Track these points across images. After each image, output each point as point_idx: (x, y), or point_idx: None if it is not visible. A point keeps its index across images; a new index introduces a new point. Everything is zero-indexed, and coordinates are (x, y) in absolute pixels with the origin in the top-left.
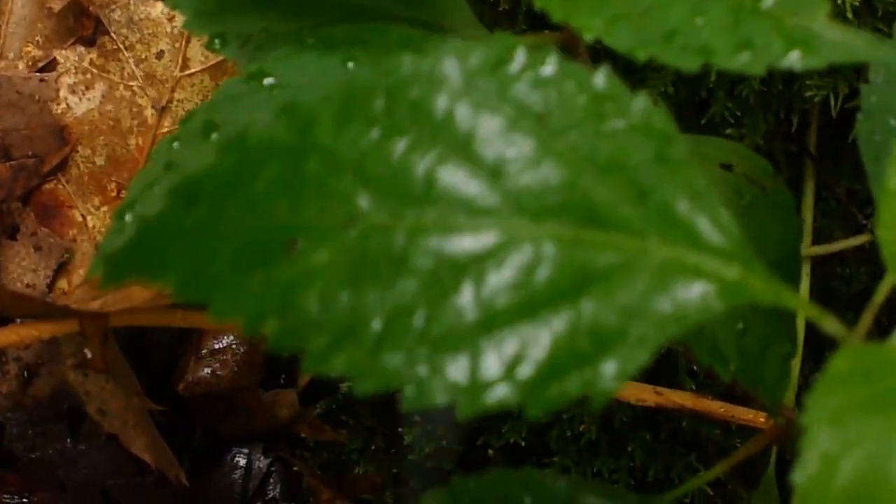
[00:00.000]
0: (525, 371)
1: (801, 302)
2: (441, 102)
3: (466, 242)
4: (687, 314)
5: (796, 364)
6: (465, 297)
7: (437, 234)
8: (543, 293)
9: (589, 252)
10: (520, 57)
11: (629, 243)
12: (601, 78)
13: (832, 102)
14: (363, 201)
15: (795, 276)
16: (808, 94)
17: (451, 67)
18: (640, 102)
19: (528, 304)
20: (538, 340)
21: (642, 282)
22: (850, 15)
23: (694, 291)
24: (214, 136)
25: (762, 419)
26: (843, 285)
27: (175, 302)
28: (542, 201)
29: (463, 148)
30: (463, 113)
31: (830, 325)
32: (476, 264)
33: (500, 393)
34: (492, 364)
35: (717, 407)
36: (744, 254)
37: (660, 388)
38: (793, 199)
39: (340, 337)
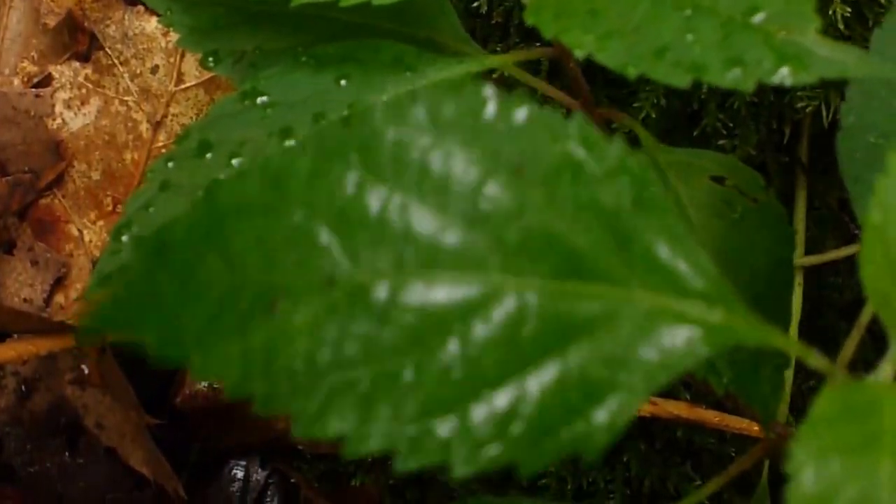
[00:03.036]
0: (517, 429)
1: (787, 340)
2: (415, 154)
3: (449, 297)
4: (674, 361)
5: (789, 375)
6: (451, 354)
7: (418, 290)
8: (530, 346)
9: (573, 303)
10: (491, 106)
11: (613, 292)
12: (575, 125)
13: (823, 113)
14: (341, 259)
15: (787, 287)
16: (800, 105)
17: (423, 118)
18: (616, 148)
19: (515, 359)
20: (527, 395)
21: (628, 330)
22: (841, 26)
23: (679, 337)
24: (209, 155)
25: (756, 428)
26: (835, 294)
27: (157, 362)
28: (523, 251)
29: (440, 200)
30: (438, 164)
31: (815, 361)
32: (460, 320)
33: (493, 452)
34: (482, 422)
35: (712, 416)
36: (726, 296)
37: (655, 398)
38: (784, 210)
39: (328, 401)
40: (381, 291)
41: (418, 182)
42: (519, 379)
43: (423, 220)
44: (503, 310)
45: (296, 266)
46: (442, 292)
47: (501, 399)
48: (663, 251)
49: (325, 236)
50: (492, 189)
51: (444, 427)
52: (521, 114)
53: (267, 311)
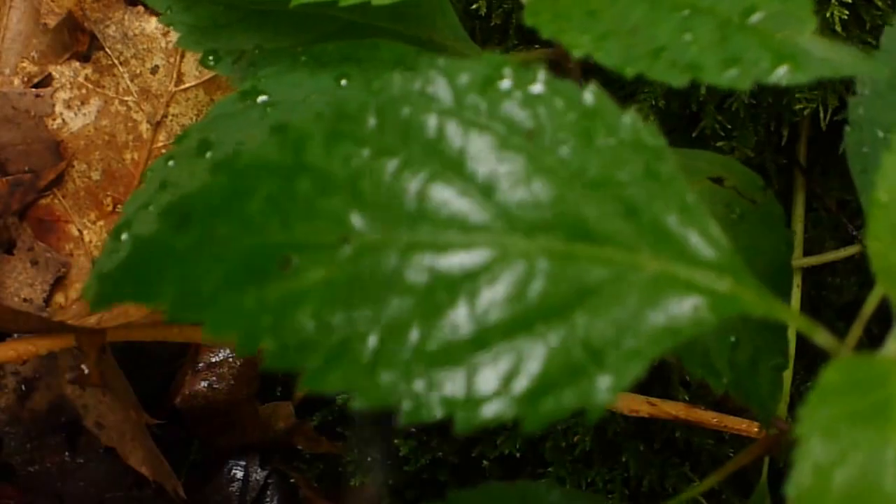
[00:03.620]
0: (520, 385)
1: (791, 314)
2: (432, 121)
3: (460, 259)
4: (679, 327)
5: (788, 376)
6: (460, 313)
7: (430, 251)
8: (537, 308)
9: (581, 267)
10: (508, 75)
11: (621, 257)
12: (590, 95)
13: (821, 115)
14: (356, 220)
15: (786, 288)
16: (798, 106)
17: (440, 86)
18: (629, 118)
19: (523, 319)
20: (533, 355)
21: (635, 295)
22: (838, 28)
23: (686, 305)
24: (209, 154)
25: (755, 429)
26: (834, 295)
27: (172, 321)
28: (533, 217)
29: (454, 166)
30: (453, 131)
31: (821, 337)
32: (470, 280)
33: (497, 407)
34: (488, 379)
35: (710, 417)
36: (734, 267)
37: (653, 399)
38: (783, 211)
39: (336, 355)
40: (392, 252)
41: (433, 148)
42: (525, 339)
43: (437, 186)
44: (512, 272)
45: (310, 227)
46: (453, 255)
47: (507, 357)
48: (673, 221)
49: (339, 199)
50: (505, 156)
51: (450, 383)
52: (537, 83)
53: (281, 269)
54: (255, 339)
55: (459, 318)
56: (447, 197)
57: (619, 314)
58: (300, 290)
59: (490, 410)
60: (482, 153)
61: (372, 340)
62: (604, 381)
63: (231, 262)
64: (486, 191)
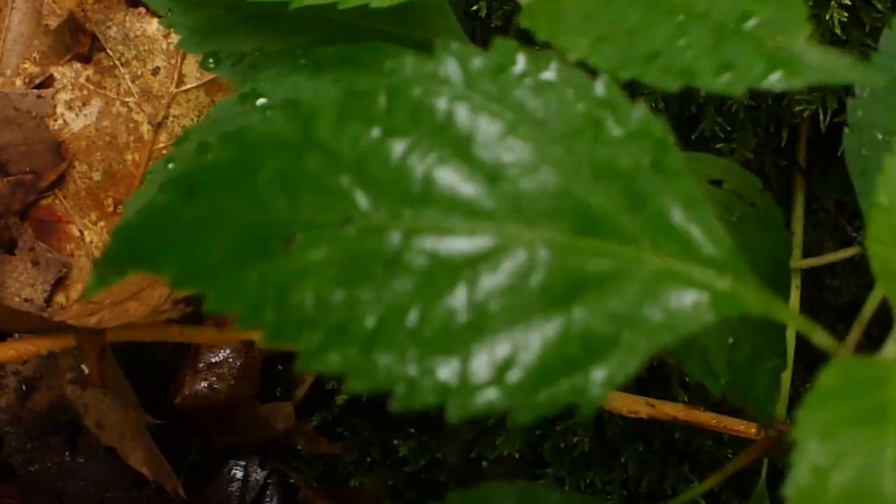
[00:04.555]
0: (515, 375)
1: (791, 314)
2: (442, 104)
3: (462, 244)
4: (678, 323)
5: (787, 377)
6: (459, 299)
7: (433, 235)
8: (536, 298)
9: (583, 258)
10: (521, 62)
11: (623, 251)
12: (601, 86)
13: (821, 117)
14: (361, 200)
15: (784, 289)
16: (798, 108)
17: (452, 69)
18: (639, 111)
19: (521, 309)
20: (529, 345)
21: (635, 289)
22: (837, 30)
23: (686, 301)
24: (209, 157)
25: (754, 430)
26: (833, 296)
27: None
28: (538, 206)
29: (462, 150)
30: (463, 115)
31: (820, 337)
32: (470, 267)
33: (490, 396)
34: (482, 367)
35: (710, 418)
36: (736, 265)
37: (652, 400)
38: (782, 214)
39: (334, 334)
40: (395, 234)
41: (442, 132)
42: (522, 328)
43: (443, 170)
44: (513, 261)
45: (317, 206)
46: (456, 240)
47: (503, 346)
48: (677, 215)
49: (346, 178)
50: (513, 143)
51: (444, 369)
52: (549, 71)
53: (285, 245)
54: (256, 314)
55: (458, 303)
56: (453, 181)
57: (618, 308)
58: (303, 268)
59: (483, 399)
60: (490, 139)
61: (370, 321)
62: (599, 375)
63: (236, 236)
64: (492, 177)
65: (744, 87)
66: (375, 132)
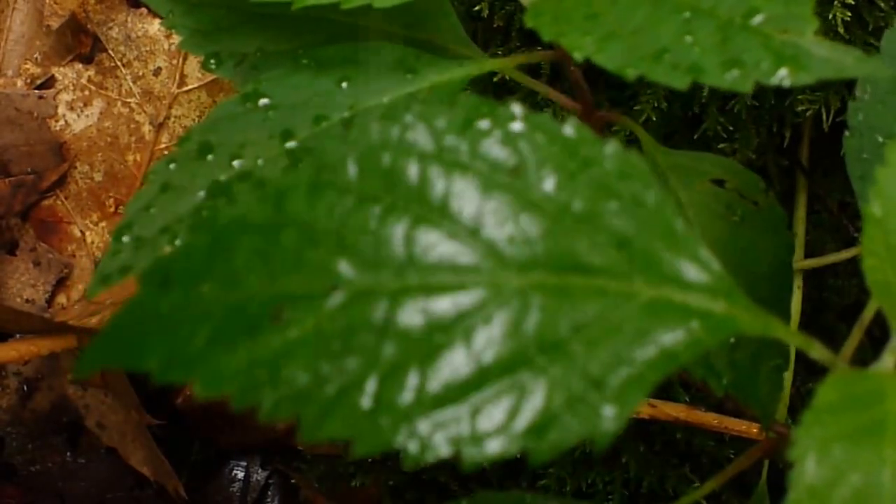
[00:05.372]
0: (524, 420)
1: (787, 332)
2: (413, 166)
3: (452, 300)
4: (678, 351)
5: (788, 377)
6: (458, 354)
7: (421, 294)
8: (535, 342)
9: (575, 299)
10: (487, 114)
11: (614, 286)
12: (570, 128)
13: (824, 116)
14: (344, 268)
15: (787, 290)
16: (800, 108)
17: (419, 131)
18: (612, 148)
19: (521, 355)
20: (535, 389)
21: (631, 323)
22: (841, 30)
23: (682, 329)
24: (210, 157)
25: (755, 430)
26: (835, 297)
27: (161, 383)
28: (523, 253)
29: (439, 208)
30: (436, 174)
31: (817, 352)
32: (465, 320)
33: (503, 443)
34: (491, 416)
35: (711, 418)
36: (728, 289)
37: (654, 401)
38: (784, 213)
39: (332, 404)
40: (383, 298)
41: (417, 193)
42: (525, 374)
43: (424, 230)
44: (507, 309)
45: (298, 278)
46: (445, 296)
47: (508, 393)
48: (663, 249)
49: (325, 250)
50: (489, 194)
51: (453, 422)
52: (516, 121)
53: (271, 321)
54: (250, 395)
55: (458, 358)
56: (434, 239)
57: (617, 343)
58: (292, 342)
59: (495, 446)
60: (466, 193)
61: (370, 387)
62: (609, 411)
63: (218, 320)
64: (473, 230)
65: (752, 83)
66: (349, 201)
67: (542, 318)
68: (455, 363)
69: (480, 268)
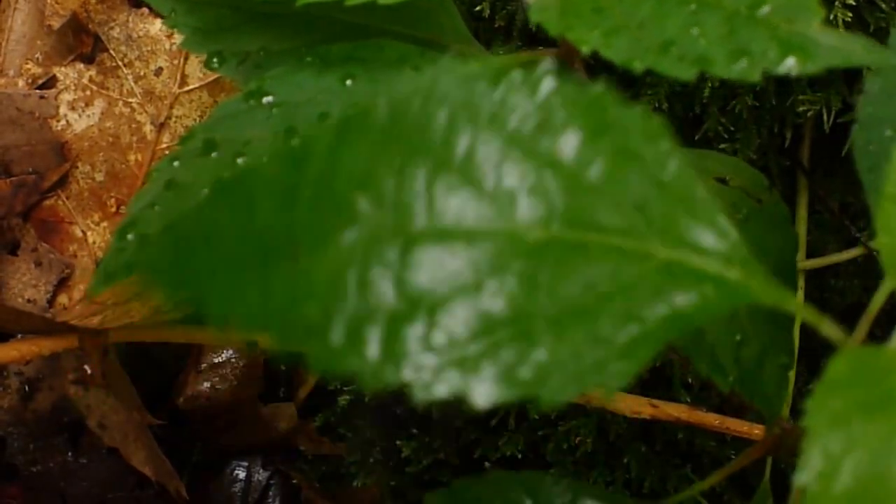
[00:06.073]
0: (529, 368)
1: (799, 304)
2: (441, 115)
3: (467, 249)
4: (689, 315)
5: (790, 377)
6: (469, 302)
7: (437, 241)
8: (546, 296)
9: (591, 255)
10: (517, 73)
11: (631, 246)
12: (598, 90)
13: (825, 117)
14: (363, 206)
15: (791, 287)
16: (801, 108)
17: (450, 84)
18: (638, 114)
19: (532, 308)
20: (541, 340)
21: (645, 283)
22: (841, 30)
23: (696, 292)
24: (214, 154)
25: (757, 431)
26: (836, 297)
27: (173, 315)
28: (541, 208)
29: (463, 159)
30: (463, 124)
31: (828, 329)
32: (478, 270)
33: (506, 388)
34: (497, 360)
35: (712, 419)
36: (743, 257)
37: (655, 401)
38: (789, 212)
39: (341, 341)
40: (399, 241)
41: (442, 143)
42: (533, 325)
43: (444, 178)
44: (520, 263)
45: (318, 211)
46: (459, 245)
47: (515, 346)
48: (682, 215)
49: (347, 186)
50: (512, 153)
51: (458, 363)
52: (545, 81)
53: (287, 254)
54: (261, 321)
55: (468, 306)
56: (455, 188)
57: (630, 301)
58: (304, 275)
59: (499, 390)
60: (491, 145)
61: (379, 328)
62: (616, 366)
63: (234, 247)
64: (494, 182)
65: (759, 73)
66: (376, 143)
67: (556, 272)
68: (465, 311)
69: (497, 219)
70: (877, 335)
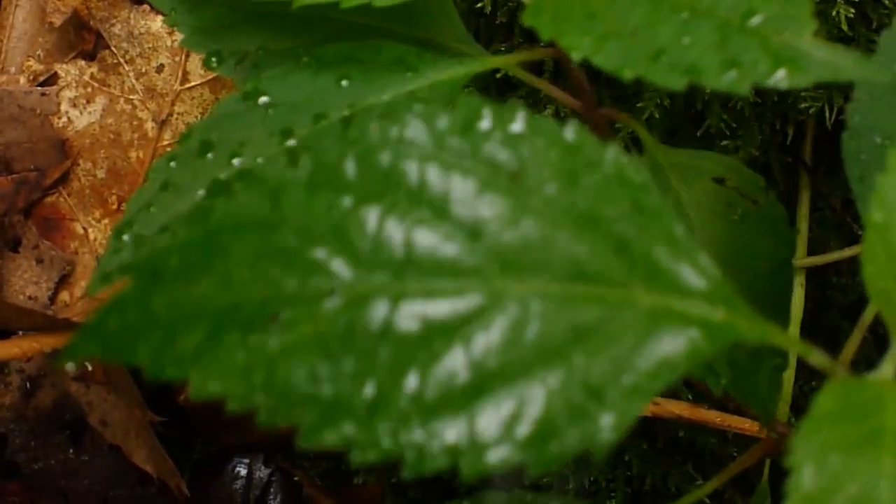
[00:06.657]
0: (523, 430)
1: (787, 338)
2: (413, 167)
3: (452, 305)
4: (677, 360)
5: (790, 375)
6: (457, 360)
7: (421, 298)
8: (534, 350)
9: (575, 306)
10: (487, 115)
11: (614, 294)
12: (571, 132)
13: (827, 114)
14: (342, 270)
15: (786, 288)
16: (803, 105)
17: (419, 131)
18: (612, 153)
19: (520, 363)
20: (533, 398)
21: (631, 332)
22: (844, 27)
23: (682, 337)
24: (210, 155)
25: (758, 428)
26: (838, 294)
27: (151, 380)
28: (523, 259)
29: (439, 210)
30: (435, 175)
31: (816, 358)
32: (464, 326)
33: (501, 453)
34: (489, 425)
35: (714, 416)
36: (727, 296)
37: (657, 398)
38: (785, 212)
39: (331, 410)
40: (382, 301)
41: (416, 194)
42: (524, 381)
43: (423, 232)
44: (506, 316)
45: (296, 280)
46: (445, 302)
47: (507, 402)
48: (663, 254)
49: (322, 251)
50: (489, 198)
51: (451, 431)
52: (517, 123)
53: (267, 325)
54: (247, 397)
55: (456, 364)
56: (434, 242)
57: (617, 351)
58: (289, 345)
59: (494, 457)
60: (466, 196)
61: (368, 392)
62: (607, 421)
63: (213, 318)
64: (473, 234)
65: (749, 85)
66: (347, 201)
67: (542, 325)
68: (454, 370)
69: (480, 273)
70: (879, 333)
